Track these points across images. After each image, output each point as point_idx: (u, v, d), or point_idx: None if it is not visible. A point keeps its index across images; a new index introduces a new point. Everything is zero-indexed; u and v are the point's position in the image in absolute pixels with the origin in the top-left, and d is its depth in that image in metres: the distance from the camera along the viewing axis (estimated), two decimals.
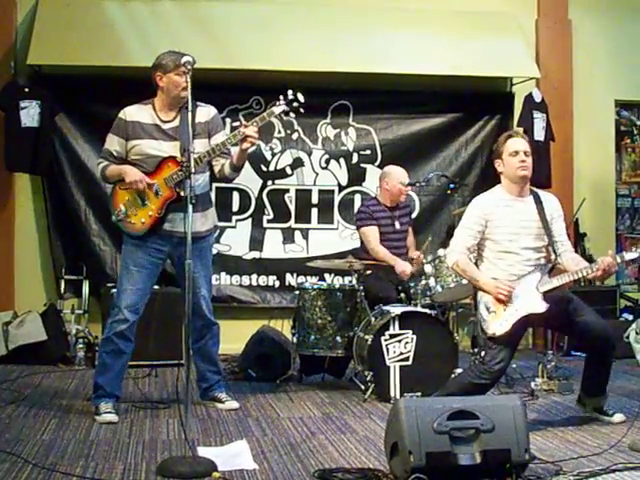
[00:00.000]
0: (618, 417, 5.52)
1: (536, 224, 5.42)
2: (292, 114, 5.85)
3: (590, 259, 9.15)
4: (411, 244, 7.46)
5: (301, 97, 5.61)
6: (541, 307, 5.25)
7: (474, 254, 5.53)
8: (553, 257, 5.42)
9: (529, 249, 5.40)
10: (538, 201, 5.47)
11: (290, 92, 5.65)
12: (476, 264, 5.52)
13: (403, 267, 6.96)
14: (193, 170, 5.28)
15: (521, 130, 8.74)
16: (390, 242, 7.19)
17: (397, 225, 7.29)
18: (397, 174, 7.39)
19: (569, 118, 9.35)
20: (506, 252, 5.39)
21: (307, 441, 5.09)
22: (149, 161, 5.63)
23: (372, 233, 7.18)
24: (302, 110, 5.69)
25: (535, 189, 5.58)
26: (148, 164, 5.63)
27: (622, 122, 9.45)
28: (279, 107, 5.62)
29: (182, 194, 5.47)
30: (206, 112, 5.81)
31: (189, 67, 5.05)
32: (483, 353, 5.39)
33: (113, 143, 5.69)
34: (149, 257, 5.72)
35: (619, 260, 5.19)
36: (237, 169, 5.81)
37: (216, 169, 5.84)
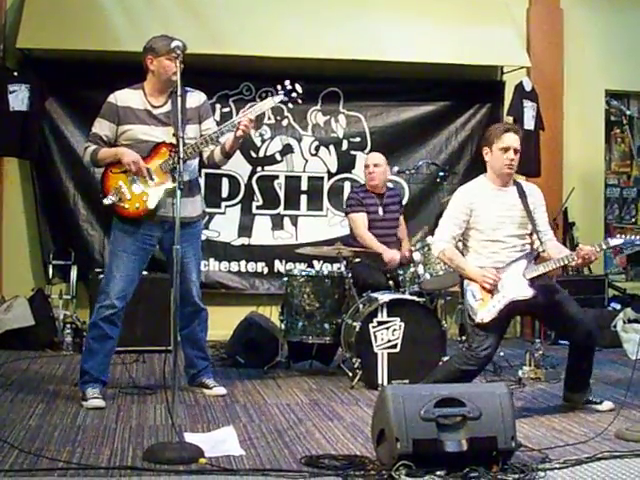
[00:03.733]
0: (606, 405, 5.55)
1: (519, 213, 5.48)
2: (290, 104, 5.87)
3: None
4: (403, 235, 7.45)
5: (299, 87, 5.65)
6: (528, 293, 5.29)
7: (459, 243, 5.56)
8: (537, 244, 5.47)
9: (513, 237, 5.46)
10: (521, 191, 5.53)
11: (287, 82, 5.65)
12: (462, 253, 5.55)
13: (391, 255, 6.97)
14: (186, 155, 5.29)
15: (511, 119, 8.77)
16: (377, 230, 7.17)
17: (380, 212, 7.26)
18: (367, 158, 7.45)
19: (559, 107, 9.36)
20: (491, 240, 5.43)
21: (294, 427, 5.10)
22: (141, 146, 5.60)
23: (360, 219, 7.17)
24: (300, 101, 5.71)
25: (518, 180, 5.62)
26: (140, 149, 5.59)
27: (612, 112, 9.47)
28: (277, 97, 5.65)
29: (177, 179, 5.46)
30: (196, 98, 5.80)
31: (179, 52, 5.03)
32: (470, 340, 5.42)
33: (103, 127, 5.65)
34: (140, 243, 5.70)
35: (604, 246, 5.28)
36: (228, 156, 5.81)
37: (205, 155, 5.82)
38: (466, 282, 5.44)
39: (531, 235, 5.52)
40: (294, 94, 5.64)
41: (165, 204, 5.59)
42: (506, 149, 5.43)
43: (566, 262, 5.37)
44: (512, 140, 5.47)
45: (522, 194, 5.51)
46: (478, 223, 5.45)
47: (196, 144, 5.61)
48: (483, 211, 5.44)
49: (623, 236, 5.30)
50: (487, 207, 5.45)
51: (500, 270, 5.35)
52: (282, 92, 5.65)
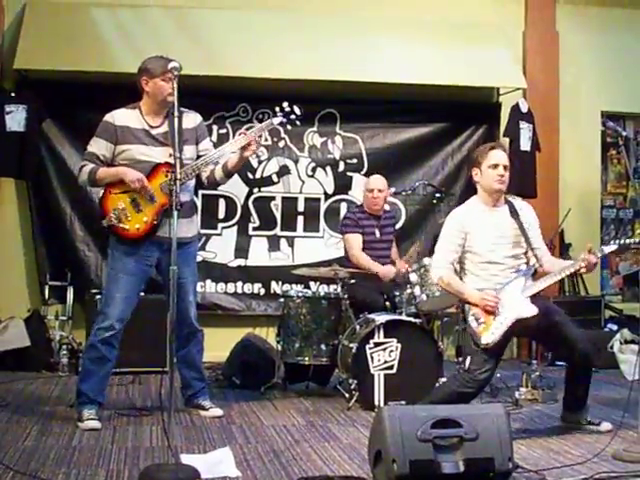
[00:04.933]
0: (605, 426, 5.55)
1: (513, 232, 5.48)
2: (289, 126, 5.89)
3: None
4: (395, 255, 7.45)
5: (297, 110, 5.68)
6: (529, 311, 5.29)
7: (457, 266, 5.55)
8: (533, 261, 5.47)
9: (509, 257, 5.46)
10: (513, 210, 5.54)
11: (286, 104, 5.67)
12: (460, 277, 5.54)
13: (385, 271, 6.98)
14: (186, 176, 5.31)
15: (507, 141, 8.80)
16: (373, 251, 7.19)
17: (377, 234, 7.28)
18: (370, 182, 7.44)
19: (555, 129, 9.38)
20: (488, 262, 5.43)
21: (291, 449, 5.08)
22: (139, 167, 5.60)
23: (355, 240, 7.19)
24: (298, 122, 5.72)
25: (509, 198, 5.63)
26: (138, 169, 5.59)
27: (608, 133, 9.48)
28: (276, 119, 5.68)
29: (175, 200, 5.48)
30: (192, 118, 5.81)
31: (175, 73, 5.03)
32: (468, 362, 5.41)
33: (100, 147, 5.64)
34: (139, 264, 5.70)
35: (599, 254, 5.29)
36: (230, 175, 5.82)
37: (204, 175, 5.82)
38: (467, 306, 5.43)
39: (526, 254, 5.53)
40: (292, 116, 5.68)
41: (165, 224, 5.59)
42: (495, 165, 5.45)
43: (566, 273, 5.38)
44: (500, 157, 5.50)
45: (514, 212, 5.52)
46: (473, 246, 5.45)
47: (197, 165, 5.62)
48: (477, 233, 5.44)
49: (616, 242, 5.34)
50: (481, 229, 5.45)
51: (498, 291, 5.36)
52: (281, 114, 5.68)
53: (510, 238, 5.47)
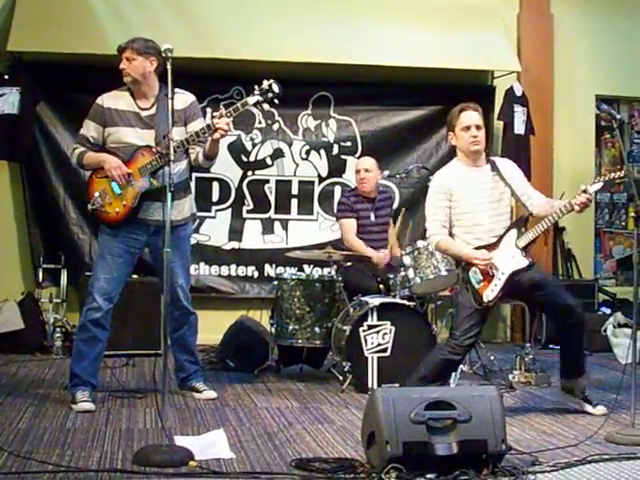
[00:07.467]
0: (600, 409, 5.56)
1: (497, 189, 5.52)
2: (266, 105, 5.83)
3: (569, 253, 9.23)
4: (393, 238, 7.44)
5: (276, 88, 5.53)
6: (523, 262, 5.37)
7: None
8: (524, 211, 5.54)
9: (494, 217, 5.48)
10: (494, 167, 5.58)
11: (265, 82, 5.59)
12: None
13: (379, 257, 6.98)
14: (162, 159, 5.29)
15: (502, 124, 8.80)
16: (369, 234, 7.18)
17: (372, 217, 7.26)
18: (357, 163, 7.48)
19: (550, 112, 9.39)
20: (474, 225, 5.47)
21: (284, 431, 5.09)
22: (126, 150, 5.60)
23: (349, 225, 7.18)
24: (276, 101, 5.64)
25: (492, 158, 5.69)
26: (125, 153, 5.60)
27: (602, 117, 9.48)
28: (253, 98, 5.58)
29: (155, 184, 5.48)
30: (183, 100, 5.75)
31: (169, 54, 5.00)
32: (454, 329, 5.48)
33: (90, 129, 5.67)
34: (124, 246, 5.70)
35: (591, 191, 5.32)
36: (209, 158, 5.75)
37: (192, 157, 5.80)
38: (466, 266, 5.45)
39: (509, 213, 5.56)
40: (270, 94, 5.57)
41: (146, 207, 5.60)
42: (467, 127, 5.50)
43: (559, 216, 5.37)
44: (471, 117, 5.54)
45: (496, 169, 5.56)
46: (458, 207, 5.49)
47: (174, 146, 5.53)
48: (462, 193, 5.48)
49: (601, 179, 5.34)
50: (464, 188, 5.49)
51: (494, 245, 5.40)
52: (258, 93, 5.59)
53: (494, 196, 5.51)
